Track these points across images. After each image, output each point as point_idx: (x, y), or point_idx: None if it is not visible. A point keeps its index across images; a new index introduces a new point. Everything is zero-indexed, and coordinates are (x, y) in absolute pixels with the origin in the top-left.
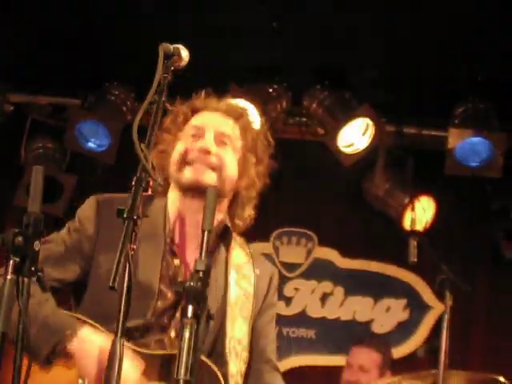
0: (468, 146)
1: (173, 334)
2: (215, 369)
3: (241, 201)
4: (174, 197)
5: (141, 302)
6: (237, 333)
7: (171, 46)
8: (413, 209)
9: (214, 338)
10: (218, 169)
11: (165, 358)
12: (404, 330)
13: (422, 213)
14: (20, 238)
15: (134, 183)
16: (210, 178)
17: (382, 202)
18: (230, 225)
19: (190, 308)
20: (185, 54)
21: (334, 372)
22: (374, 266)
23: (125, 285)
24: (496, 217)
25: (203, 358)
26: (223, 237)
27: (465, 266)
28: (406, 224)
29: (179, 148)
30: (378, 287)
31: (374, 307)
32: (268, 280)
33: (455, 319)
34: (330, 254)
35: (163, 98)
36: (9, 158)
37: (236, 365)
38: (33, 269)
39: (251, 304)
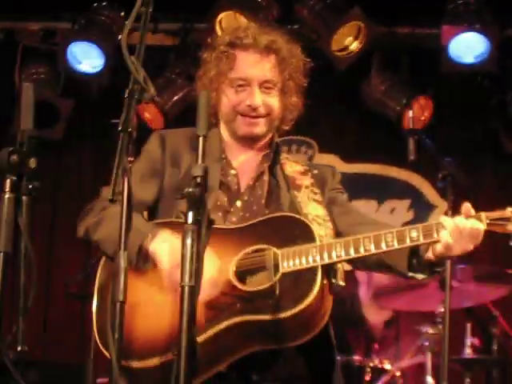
0: (462, 41)
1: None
2: (303, 219)
3: (284, 120)
4: (226, 131)
5: None
6: (312, 211)
7: None
8: (411, 108)
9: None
10: (267, 115)
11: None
12: None
13: (419, 111)
14: (15, 157)
15: (126, 96)
16: (260, 128)
17: (380, 103)
18: (277, 140)
19: (191, 214)
20: None
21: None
22: (376, 169)
23: (124, 196)
24: (494, 111)
25: (286, 213)
26: (274, 154)
27: (466, 161)
28: (405, 124)
29: (229, 99)
30: (381, 189)
31: (378, 209)
32: (330, 175)
33: (459, 214)
34: (332, 160)
35: (150, 10)
36: (3, 86)
37: (322, 230)
38: (30, 186)
39: (319, 192)
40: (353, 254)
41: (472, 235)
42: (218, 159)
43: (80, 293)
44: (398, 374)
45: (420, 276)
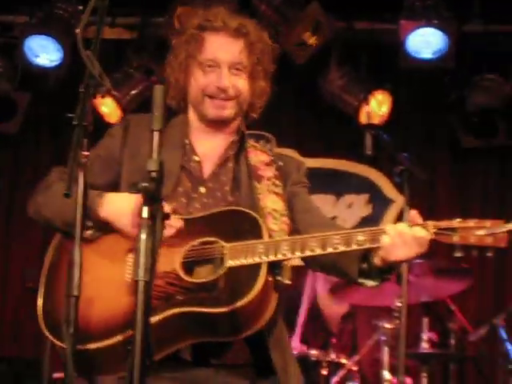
0: (419, 37)
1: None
2: (254, 214)
3: (252, 105)
4: (194, 115)
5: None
6: (270, 204)
7: None
8: (368, 103)
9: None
10: (235, 98)
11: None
12: (367, 224)
13: (377, 107)
14: None
15: (81, 90)
16: (229, 110)
17: (338, 98)
18: (244, 129)
19: (145, 209)
20: None
21: (297, 270)
22: (334, 164)
23: (80, 190)
24: (452, 107)
25: (240, 208)
26: (242, 141)
27: (424, 156)
28: (362, 118)
29: (198, 80)
30: (339, 184)
31: (336, 204)
32: (295, 167)
33: (418, 209)
34: (290, 154)
35: (106, 3)
36: None
37: (276, 225)
38: None
39: (280, 185)
40: (298, 254)
41: (415, 243)
42: (181, 145)
43: (37, 287)
44: (354, 368)
45: (370, 283)
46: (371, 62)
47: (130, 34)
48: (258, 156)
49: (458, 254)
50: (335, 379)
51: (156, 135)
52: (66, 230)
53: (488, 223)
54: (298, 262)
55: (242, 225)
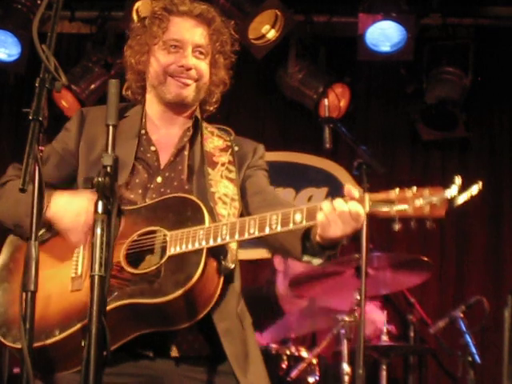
0: (378, 30)
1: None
2: (195, 199)
3: (210, 94)
4: (152, 99)
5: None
6: (221, 190)
7: None
8: (327, 96)
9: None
10: (197, 80)
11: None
12: None
13: (336, 100)
14: None
15: (37, 85)
16: (190, 91)
17: (297, 92)
18: (199, 116)
19: (100, 204)
20: None
21: (257, 264)
22: (293, 157)
23: (36, 186)
24: (411, 100)
25: (184, 194)
26: (195, 129)
27: (384, 149)
28: (321, 112)
29: (161, 59)
30: (298, 178)
31: (295, 197)
32: (251, 151)
33: None
34: None
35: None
36: None
37: (226, 209)
38: None
39: (234, 170)
40: (237, 238)
41: (351, 218)
42: (136, 136)
43: None
44: (314, 361)
45: (315, 261)
46: (330, 55)
47: (89, 28)
48: (214, 142)
49: (397, 227)
50: (295, 372)
51: (111, 130)
52: (16, 230)
53: (426, 192)
54: (265, 255)
55: (184, 212)
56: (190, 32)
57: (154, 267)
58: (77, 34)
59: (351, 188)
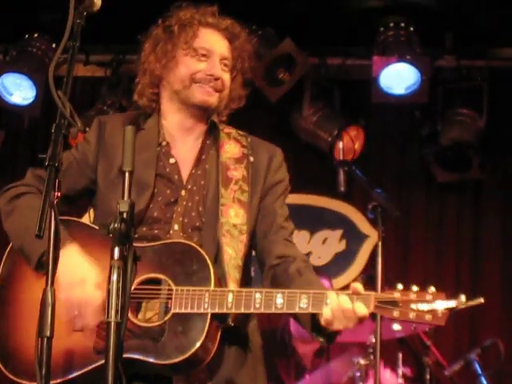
0: (392, 72)
1: (176, 227)
2: (202, 252)
3: (226, 107)
4: (170, 107)
5: (139, 196)
6: (232, 218)
7: None
8: (341, 139)
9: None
10: (220, 91)
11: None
12: (342, 260)
13: (350, 142)
14: None
15: (53, 130)
16: (214, 100)
17: (312, 134)
18: (217, 120)
19: (117, 250)
20: None
21: None
22: (308, 200)
23: (51, 233)
24: (426, 142)
25: (191, 243)
26: (212, 134)
27: (399, 191)
28: (336, 154)
29: (190, 65)
30: (312, 220)
31: (310, 240)
32: (266, 162)
33: (393, 244)
34: None
35: (77, 44)
36: None
37: (233, 247)
38: None
39: (247, 190)
40: (243, 310)
41: (354, 317)
42: (155, 149)
43: None
44: None
45: (319, 339)
46: (344, 97)
47: (103, 71)
48: (230, 148)
49: (397, 328)
50: None
51: (127, 176)
52: (18, 251)
53: (429, 296)
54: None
55: (191, 264)
56: (219, 44)
57: (158, 323)
58: (91, 77)
59: (358, 286)
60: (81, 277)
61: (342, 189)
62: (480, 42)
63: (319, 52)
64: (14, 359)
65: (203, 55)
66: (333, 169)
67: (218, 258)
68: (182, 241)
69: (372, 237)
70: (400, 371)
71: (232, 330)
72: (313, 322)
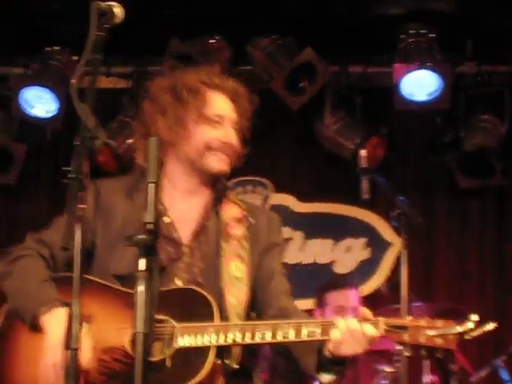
0: (413, 79)
1: (179, 282)
2: (206, 295)
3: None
4: (178, 170)
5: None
6: (232, 270)
7: (103, 4)
8: (364, 147)
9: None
10: (233, 157)
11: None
12: (366, 268)
13: (373, 150)
14: None
15: (77, 143)
16: (228, 167)
17: (334, 142)
18: (225, 183)
19: (143, 261)
20: (118, 10)
21: None
22: (331, 208)
23: (78, 245)
24: (448, 148)
25: (194, 287)
26: (217, 197)
27: (422, 198)
28: (358, 162)
29: (205, 133)
30: (336, 228)
31: (334, 248)
32: (266, 224)
33: (416, 251)
34: (287, 200)
35: (100, 57)
36: None
37: (235, 296)
38: None
39: (248, 248)
40: (248, 341)
41: (364, 340)
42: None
43: None
44: None
45: (326, 377)
46: (366, 104)
47: (125, 83)
48: (232, 210)
49: (407, 353)
50: None
51: (151, 187)
52: (13, 311)
53: (440, 323)
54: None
55: (194, 305)
56: (228, 108)
57: (160, 358)
58: (113, 89)
59: (366, 311)
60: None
61: (366, 196)
62: (501, 47)
63: (340, 60)
64: None
65: (216, 122)
66: (356, 177)
67: (220, 306)
68: (181, 286)
69: (395, 244)
70: (427, 379)
71: (236, 376)
72: (319, 358)
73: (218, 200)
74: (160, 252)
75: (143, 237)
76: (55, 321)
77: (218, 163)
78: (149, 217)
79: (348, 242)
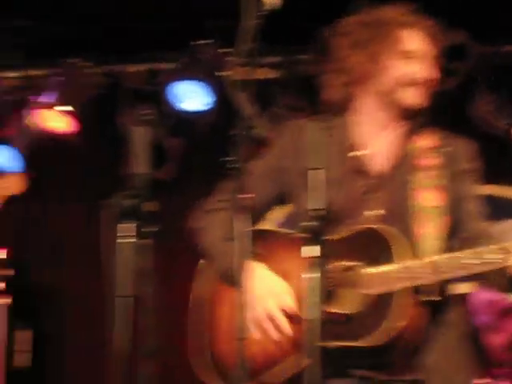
0: None
1: (368, 216)
2: (395, 232)
3: None
4: (370, 106)
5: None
6: (423, 201)
7: None
8: None
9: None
10: (429, 92)
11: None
12: None
13: None
14: (133, 201)
15: (235, 133)
16: (424, 101)
17: (489, 123)
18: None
19: (316, 248)
20: None
21: None
22: (491, 190)
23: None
24: None
25: (374, 225)
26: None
27: None
28: None
29: (400, 68)
30: (497, 211)
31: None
32: (462, 151)
33: None
34: None
35: (257, 46)
36: (109, 130)
37: (431, 228)
38: (150, 231)
39: (445, 174)
40: (438, 277)
41: None
42: (345, 143)
43: None
44: None
45: None
46: None
47: (276, 73)
48: (425, 140)
49: None
50: None
51: (318, 173)
52: (217, 272)
53: None
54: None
55: (376, 248)
56: (422, 44)
57: (356, 309)
58: (264, 80)
59: None
60: (272, 289)
61: None
62: None
63: (493, 40)
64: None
65: (409, 58)
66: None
67: (411, 241)
68: (366, 226)
69: None
70: None
71: (438, 308)
72: None
73: (412, 133)
74: (351, 185)
75: (312, 224)
76: (259, 270)
77: (413, 98)
78: (318, 203)
79: (510, 223)
